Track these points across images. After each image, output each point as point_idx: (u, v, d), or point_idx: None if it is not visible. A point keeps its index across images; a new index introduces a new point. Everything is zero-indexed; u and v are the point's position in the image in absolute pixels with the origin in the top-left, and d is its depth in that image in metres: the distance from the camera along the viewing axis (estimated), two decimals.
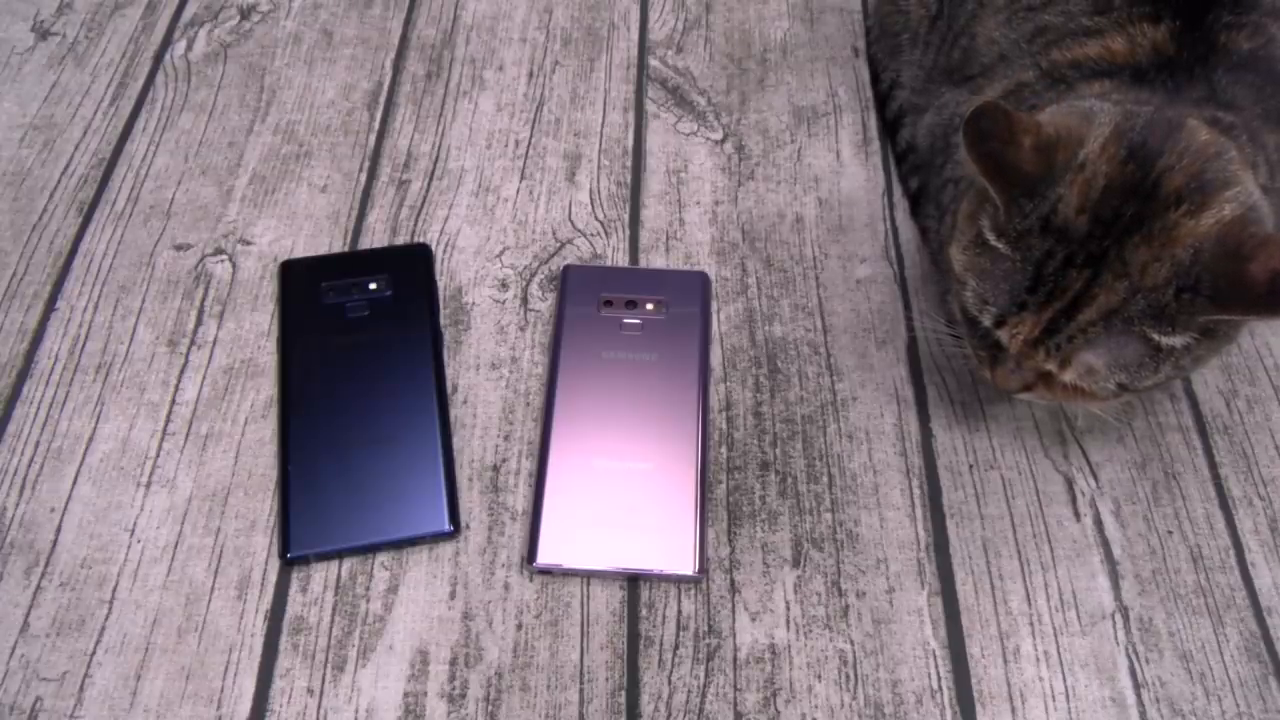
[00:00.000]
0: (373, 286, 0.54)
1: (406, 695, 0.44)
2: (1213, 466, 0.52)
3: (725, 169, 0.63)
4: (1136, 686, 0.45)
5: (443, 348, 0.54)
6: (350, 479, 0.48)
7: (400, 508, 0.48)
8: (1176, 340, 0.40)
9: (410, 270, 0.56)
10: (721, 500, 0.50)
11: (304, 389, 0.48)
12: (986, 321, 0.44)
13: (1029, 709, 0.45)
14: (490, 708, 0.44)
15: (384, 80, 0.67)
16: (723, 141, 0.64)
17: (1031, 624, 0.47)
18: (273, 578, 0.47)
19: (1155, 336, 0.40)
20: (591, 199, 0.61)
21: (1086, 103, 0.45)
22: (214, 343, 0.55)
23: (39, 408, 0.52)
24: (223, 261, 0.58)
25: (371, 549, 0.48)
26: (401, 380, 0.51)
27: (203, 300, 0.56)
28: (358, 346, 0.52)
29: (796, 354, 0.55)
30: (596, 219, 0.60)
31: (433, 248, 0.59)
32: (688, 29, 0.71)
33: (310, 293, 0.55)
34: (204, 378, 0.53)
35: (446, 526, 0.48)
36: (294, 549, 0.47)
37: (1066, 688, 0.45)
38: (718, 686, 0.45)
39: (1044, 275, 0.41)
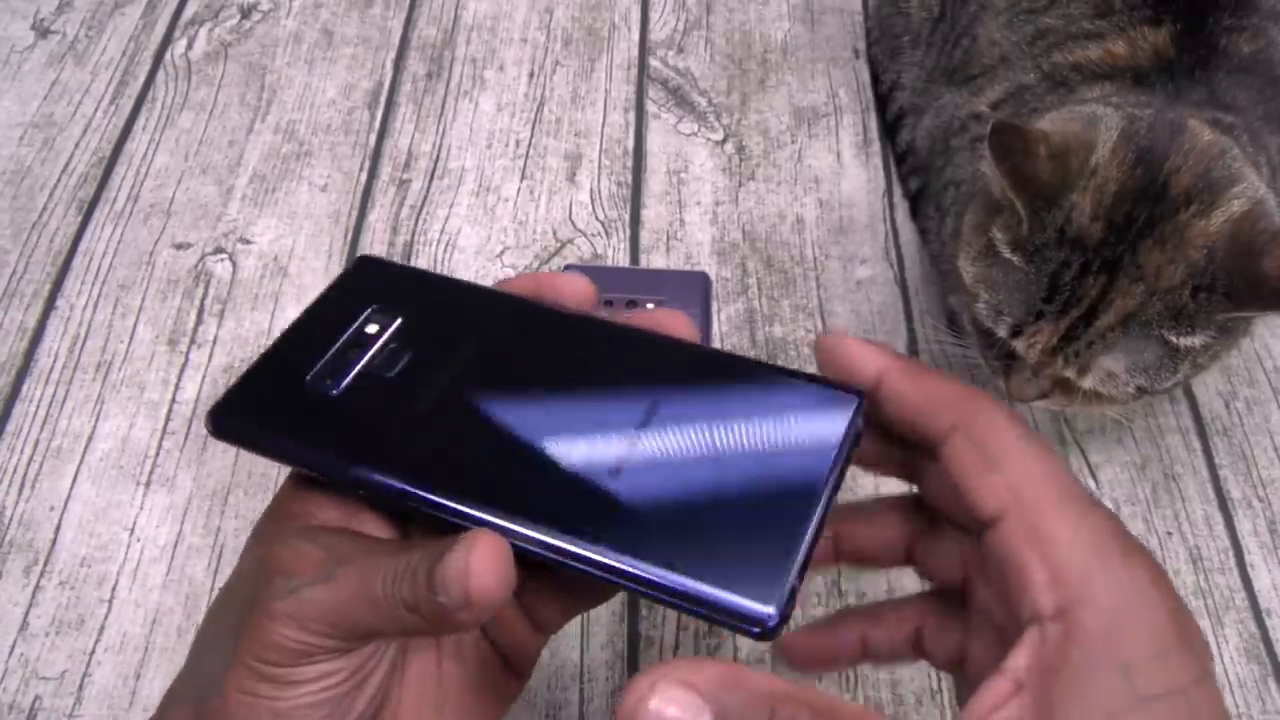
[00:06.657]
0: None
1: None
2: (1212, 468, 0.52)
3: (726, 170, 0.63)
4: None
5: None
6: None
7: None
8: (1196, 340, 0.40)
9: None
10: None
11: None
12: (1002, 333, 0.43)
13: None
14: None
15: (384, 80, 0.67)
16: (723, 142, 0.65)
17: None
18: None
19: (1174, 338, 0.40)
20: (592, 199, 0.61)
21: (1089, 107, 0.45)
22: (214, 342, 0.55)
23: (38, 406, 0.52)
24: (223, 260, 0.58)
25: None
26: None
27: (203, 299, 0.56)
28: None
29: (797, 354, 0.55)
30: (597, 219, 0.60)
31: (433, 248, 0.59)
32: (688, 29, 0.71)
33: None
34: (204, 377, 0.53)
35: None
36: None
37: None
38: None
39: (1060, 284, 0.41)
